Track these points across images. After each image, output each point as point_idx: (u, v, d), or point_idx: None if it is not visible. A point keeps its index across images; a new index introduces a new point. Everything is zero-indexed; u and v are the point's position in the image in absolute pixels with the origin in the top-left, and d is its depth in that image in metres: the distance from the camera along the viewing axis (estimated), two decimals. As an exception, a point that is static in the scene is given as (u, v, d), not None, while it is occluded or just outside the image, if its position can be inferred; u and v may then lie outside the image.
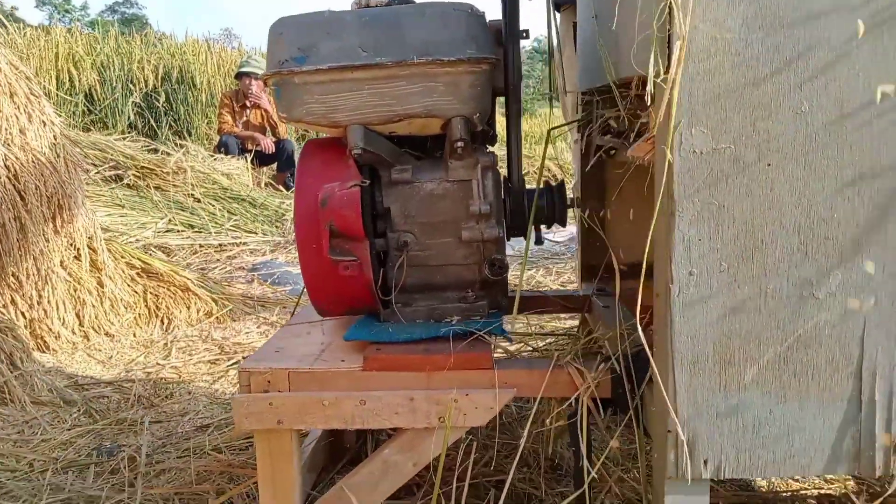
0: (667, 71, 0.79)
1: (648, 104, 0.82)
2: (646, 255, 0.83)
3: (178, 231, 3.74)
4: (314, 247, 1.10)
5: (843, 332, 0.80)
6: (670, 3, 0.76)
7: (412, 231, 1.16)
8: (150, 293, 2.61)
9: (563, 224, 1.25)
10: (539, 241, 1.26)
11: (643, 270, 0.85)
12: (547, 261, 3.21)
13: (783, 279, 0.80)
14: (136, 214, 3.79)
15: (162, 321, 2.57)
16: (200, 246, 3.64)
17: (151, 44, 6.95)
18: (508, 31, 1.15)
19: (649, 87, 0.75)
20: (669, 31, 0.77)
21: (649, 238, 0.83)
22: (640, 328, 0.82)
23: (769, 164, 0.78)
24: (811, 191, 0.78)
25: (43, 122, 2.30)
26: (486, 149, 1.20)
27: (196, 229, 3.78)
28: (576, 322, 1.58)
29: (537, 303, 1.43)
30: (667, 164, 0.80)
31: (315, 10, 1.13)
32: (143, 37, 7.05)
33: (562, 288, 2.75)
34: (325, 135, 1.22)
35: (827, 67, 0.76)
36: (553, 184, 1.25)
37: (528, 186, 1.24)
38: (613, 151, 1.30)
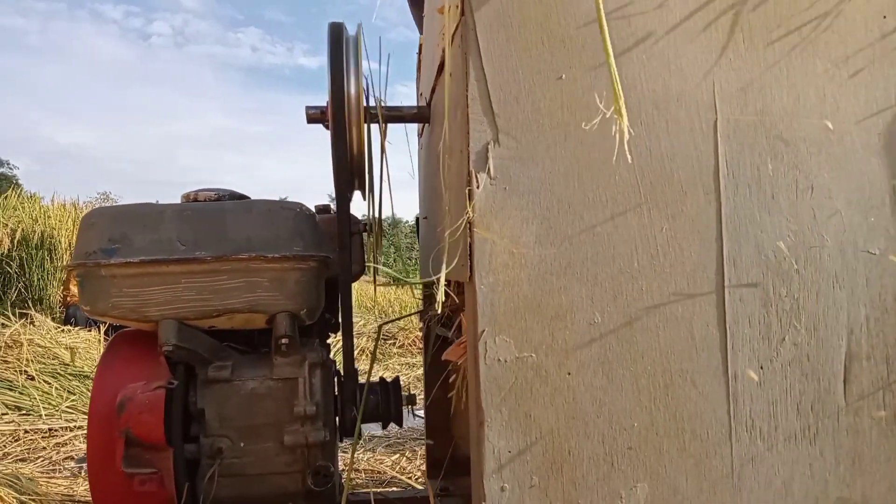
0: (470, 280, 0.80)
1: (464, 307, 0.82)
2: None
3: (1, 415, 3.28)
4: (106, 457, 0.97)
5: (655, 549, 0.77)
6: (469, 217, 0.79)
7: (228, 435, 1.05)
8: (-60, 497, 2.19)
9: (400, 423, 1.19)
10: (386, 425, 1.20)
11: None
12: (415, 441, 3.07)
13: (593, 493, 0.77)
14: (-48, 395, 3.31)
15: (-52, 534, 2.13)
16: (25, 431, 3.19)
17: (12, 207, 6.59)
18: (342, 229, 1.16)
19: (440, 296, 0.75)
20: (470, 243, 0.80)
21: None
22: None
23: (569, 374, 0.78)
24: (611, 399, 0.79)
25: None
26: (317, 342, 1.16)
27: (23, 412, 3.33)
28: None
29: (375, 508, 1.31)
30: (474, 372, 0.79)
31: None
32: (3, 199, 6.69)
33: (411, 484, 2.57)
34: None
35: (613, 281, 0.80)
36: (388, 380, 1.21)
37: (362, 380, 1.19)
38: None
